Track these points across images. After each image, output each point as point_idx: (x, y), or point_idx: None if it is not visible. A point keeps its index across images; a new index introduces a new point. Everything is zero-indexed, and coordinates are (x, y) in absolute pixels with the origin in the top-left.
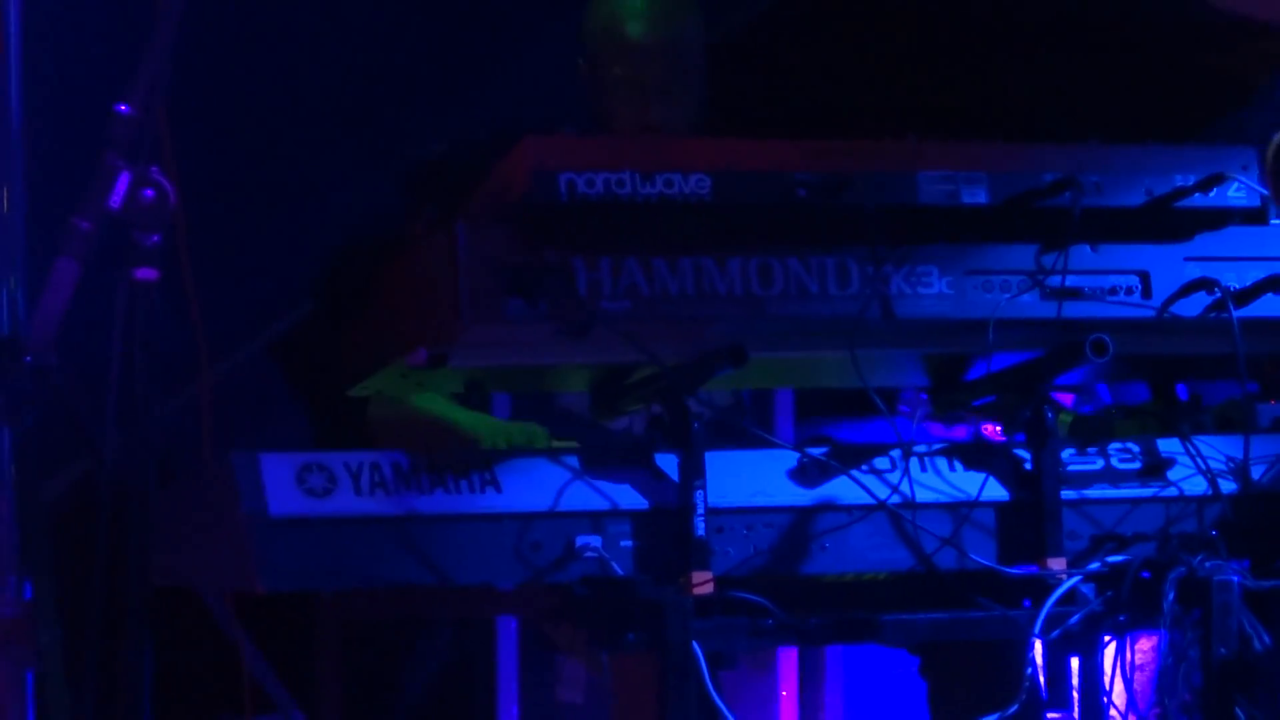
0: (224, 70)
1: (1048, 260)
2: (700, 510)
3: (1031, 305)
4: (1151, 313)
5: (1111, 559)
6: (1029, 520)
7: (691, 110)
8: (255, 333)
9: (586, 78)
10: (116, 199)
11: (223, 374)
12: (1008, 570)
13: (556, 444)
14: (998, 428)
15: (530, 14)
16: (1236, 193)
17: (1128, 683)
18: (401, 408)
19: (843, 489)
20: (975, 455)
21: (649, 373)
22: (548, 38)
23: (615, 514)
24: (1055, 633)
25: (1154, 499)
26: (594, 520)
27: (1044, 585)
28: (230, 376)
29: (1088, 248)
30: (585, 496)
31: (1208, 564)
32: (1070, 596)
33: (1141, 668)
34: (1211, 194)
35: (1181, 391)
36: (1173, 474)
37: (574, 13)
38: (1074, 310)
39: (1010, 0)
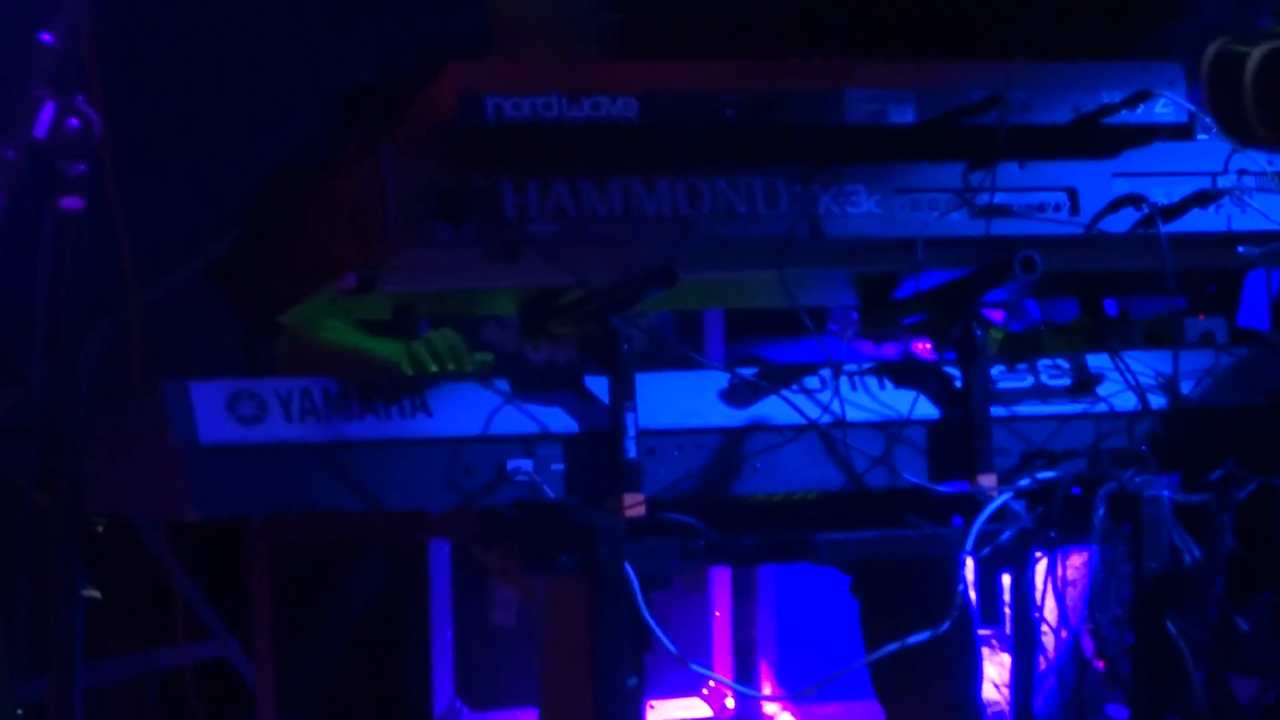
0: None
1: (976, 178)
2: (631, 432)
3: (960, 223)
4: (1079, 229)
5: (1042, 475)
6: (959, 438)
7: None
8: (185, 260)
9: (493, 27)
10: (41, 129)
11: (152, 301)
12: (938, 488)
13: (476, 357)
14: (928, 345)
15: None
16: (1163, 109)
17: (1059, 598)
18: (309, 341)
19: (773, 409)
20: (905, 374)
21: (578, 295)
22: None
23: (546, 437)
24: (986, 550)
25: (1084, 415)
26: (525, 444)
27: (975, 502)
28: (160, 304)
29: (1015, 165)
30: (516, 420)
31: (1137, 479)
32: (1001, 513)
33: (1073, 583)
34: (1138, 110)
35: (1110, 307)
36: (1102, 390)
37: None
38: (1002, 228)
39: None
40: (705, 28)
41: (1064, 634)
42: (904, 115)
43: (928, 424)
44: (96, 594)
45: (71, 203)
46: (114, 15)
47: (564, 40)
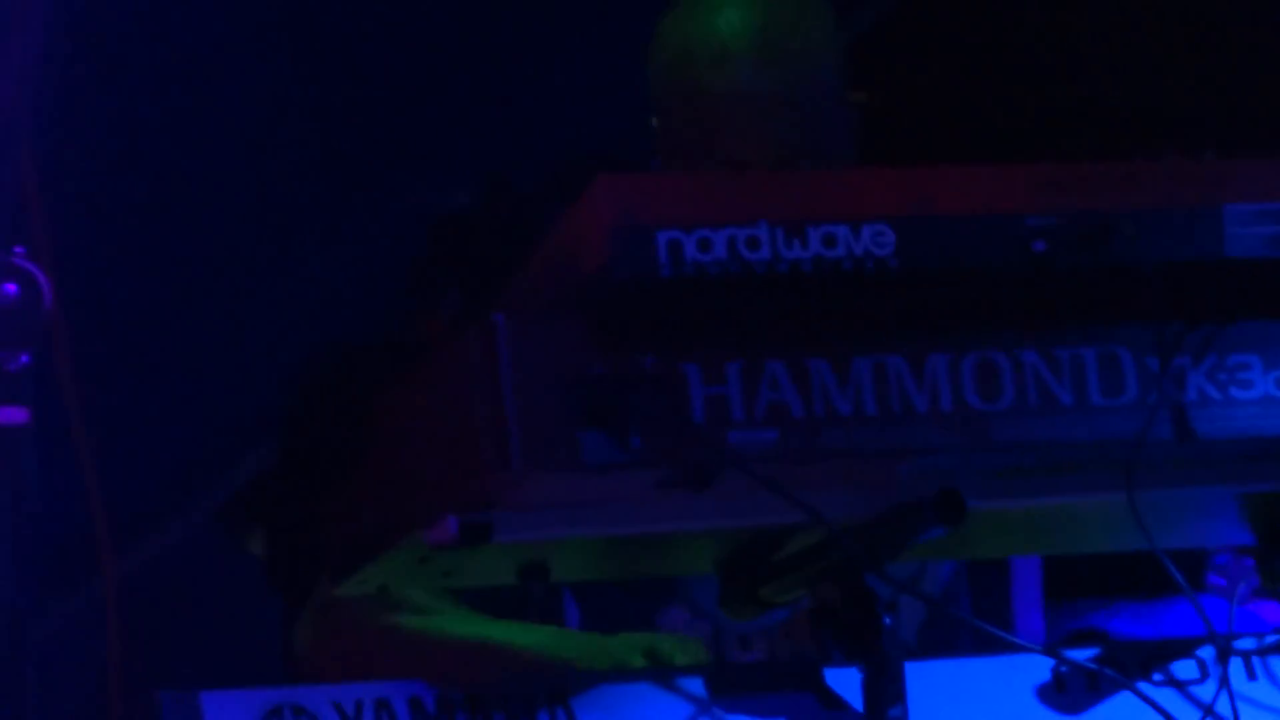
0: (134, 96)
1: None
2: None
3: None
4: None
5: None
6: None
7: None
8: (188, 497)
9: (663, 142)
10: None
11: (139, 562)
12: None
13: None
14: None
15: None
16: None
17: None
18: (379, 629)
19: (1126, 711)
20: None
21: (810, 540)
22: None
23: None
24: None
25: None
26: None
27: None
28: (152, 564)
29: None
30: None
31: None
32: None
33: None
34: None
35: None
36: None
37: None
38: None
39: None
40: (994, 114)
41: None
42: None
43: None
44: None
45: (11, 414)
46: (74, 125)
47: (784, 151)
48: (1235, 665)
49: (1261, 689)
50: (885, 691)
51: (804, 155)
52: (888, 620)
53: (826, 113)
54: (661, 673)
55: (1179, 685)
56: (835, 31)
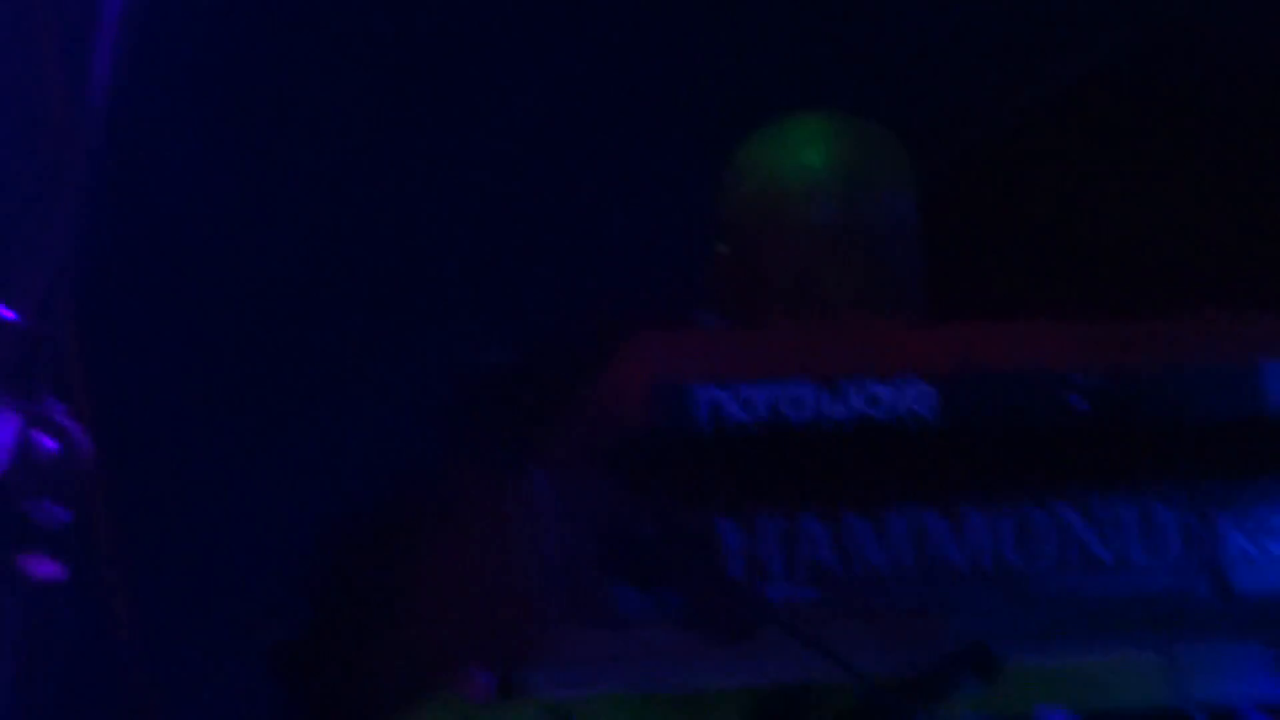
0: (168, 253)
1: None
2: None
3: None
4: None
5: None
6: None
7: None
8: (223, 657)
9: (726, 271)
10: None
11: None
12: None
13: None
14: None
15: (641, 172)
16: None
17: None
18: None
19: None
20: None
21: (847, 697)
22: (660, 198)
23: None
24: None
25: None
26: None
27: None
28: None
29: None
30: None
31: None
32: None
33: None
34: None
35: None
36: None
37: (705, 172)
38: None
39: None
40: (1034, 277)
41: None
42: None
43: None
44: None
45: (47, 569)
46: (110, 283)
47: (868, 288)
48: None
49: None
50: None
51: (884, 292)
52: None
53: (903, 251)
54: None
55: None
56: (911, 172)
